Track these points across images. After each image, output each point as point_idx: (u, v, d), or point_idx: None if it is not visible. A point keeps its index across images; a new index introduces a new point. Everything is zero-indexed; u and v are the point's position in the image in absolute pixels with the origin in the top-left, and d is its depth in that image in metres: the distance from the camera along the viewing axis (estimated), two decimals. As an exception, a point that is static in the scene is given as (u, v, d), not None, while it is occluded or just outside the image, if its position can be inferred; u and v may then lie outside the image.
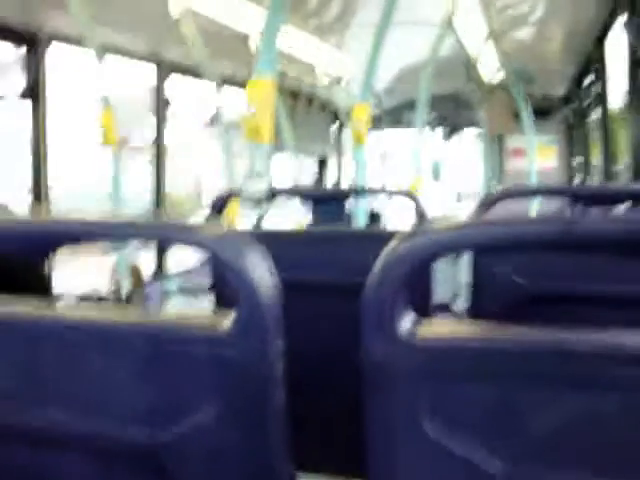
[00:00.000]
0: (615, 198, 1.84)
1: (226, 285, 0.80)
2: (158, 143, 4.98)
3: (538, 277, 1.71)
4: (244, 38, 4.58)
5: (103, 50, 3.56)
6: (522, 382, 0.74)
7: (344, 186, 7.59)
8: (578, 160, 6.63)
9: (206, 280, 1.96)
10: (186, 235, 0.82)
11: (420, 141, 5.07)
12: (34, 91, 3.76)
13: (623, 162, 4.15)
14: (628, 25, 3.29)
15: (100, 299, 3.74)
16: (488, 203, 1.88)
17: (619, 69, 3.77)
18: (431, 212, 2.02)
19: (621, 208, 1.98)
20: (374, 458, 0.80)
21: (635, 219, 0.71)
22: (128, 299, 3.88)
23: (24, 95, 3.76)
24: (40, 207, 3.64)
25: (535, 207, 5.37)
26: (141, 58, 4.72)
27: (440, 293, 1.92)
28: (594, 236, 0.71)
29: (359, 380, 0.79)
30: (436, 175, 8.30)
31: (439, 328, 0.79)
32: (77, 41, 3.72)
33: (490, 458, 0.75)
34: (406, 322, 0.77)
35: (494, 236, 0.74)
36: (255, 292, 0.78)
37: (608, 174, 4.29)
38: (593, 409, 0.71)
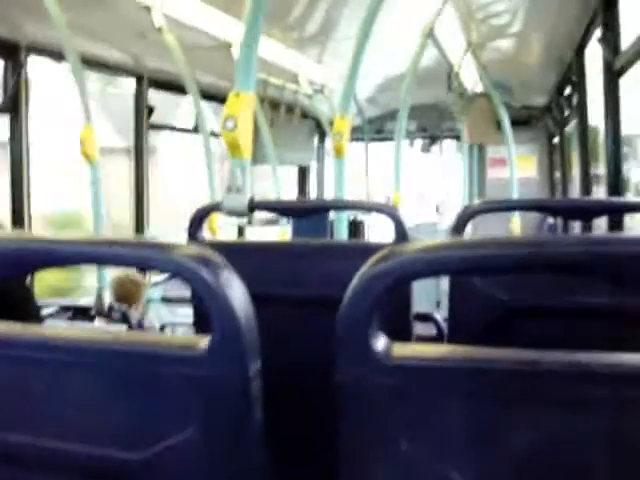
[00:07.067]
0: (593, 212, 1.86)
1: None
2: (137, 158, 4.98)
3: (516, 291, 1.72)
4: (226, 47, 4.57)
5: (82, 62, 3.55)
6: (497, 402, 0.74)
7: (326, 197, 7.59)
8: (558, 171, 6.67)
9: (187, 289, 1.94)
10: (155, 257, 0.81)
11: (400, 153, 5.08)
12: (14, 105, 3.73)
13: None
14: (602, 40, 3.32)
15: (82, 310, 3.70)
16: (466, 217, 1.89)
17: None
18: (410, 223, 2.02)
19: (601, 221, 1.99)
20: (348, 477, 0.80)
21: (602, 240, 0.72)
22: (110, 310, 3.84)
23: (2, 109, 3.72)
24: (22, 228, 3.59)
25: (515, 217, 5.42)
26: (121, 71, 4.71)
27: (423, 301, 1.92)
28: (562, 258, 0.72)
29: (335, 398, 0.79)
30: None
31: (413, 348, 0.79)
32: (57, 54, 3.70)
33: (467, 477, 0.75)
34: (380, 341, 0.77)
35: (469, 260, 0.75)
36: (230, 315, 0.78)
37: (586, 187, 4.30)
38: (566, 429, 0.72)
